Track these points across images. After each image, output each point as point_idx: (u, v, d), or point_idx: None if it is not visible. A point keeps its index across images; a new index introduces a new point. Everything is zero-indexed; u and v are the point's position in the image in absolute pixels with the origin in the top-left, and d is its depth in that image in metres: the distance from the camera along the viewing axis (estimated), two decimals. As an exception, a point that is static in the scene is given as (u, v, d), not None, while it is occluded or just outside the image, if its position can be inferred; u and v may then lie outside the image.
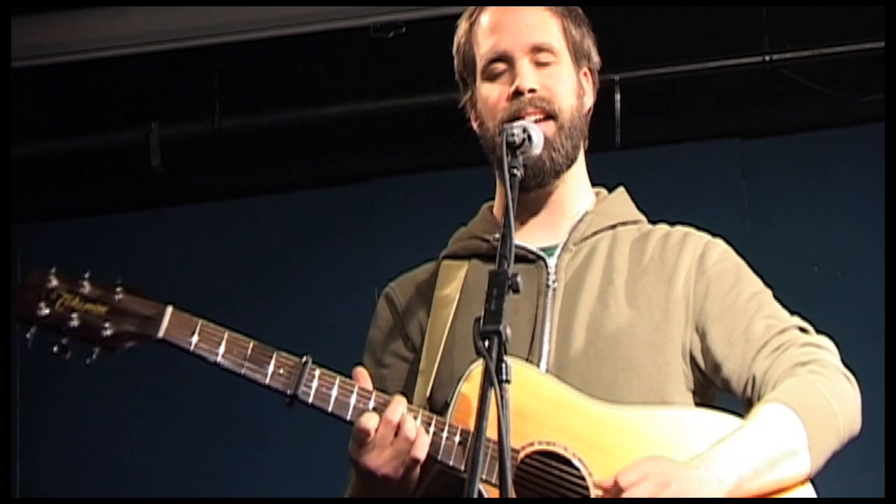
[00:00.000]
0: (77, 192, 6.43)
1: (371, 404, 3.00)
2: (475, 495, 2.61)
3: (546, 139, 3.18)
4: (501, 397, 2.66)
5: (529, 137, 3.12)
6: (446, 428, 2.99)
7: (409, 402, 3.08)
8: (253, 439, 6.05)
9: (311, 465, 5.81)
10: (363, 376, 3.05)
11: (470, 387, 2.97)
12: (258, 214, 6.34)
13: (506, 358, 2.71)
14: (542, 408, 3.03)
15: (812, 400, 3.05)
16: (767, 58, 5.75)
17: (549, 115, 3.22)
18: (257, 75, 6.08)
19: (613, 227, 3.33)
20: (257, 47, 5.83)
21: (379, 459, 2.96)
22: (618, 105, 5.53)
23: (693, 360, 3.19)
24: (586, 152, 3.37)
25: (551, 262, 3.25)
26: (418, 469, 2.98)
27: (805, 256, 5.74)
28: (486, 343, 2.71)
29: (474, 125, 3.34)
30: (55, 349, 2.97)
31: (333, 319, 5.99)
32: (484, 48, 3.29)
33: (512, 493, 2.93)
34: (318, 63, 5.99)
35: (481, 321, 2.73)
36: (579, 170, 3.34)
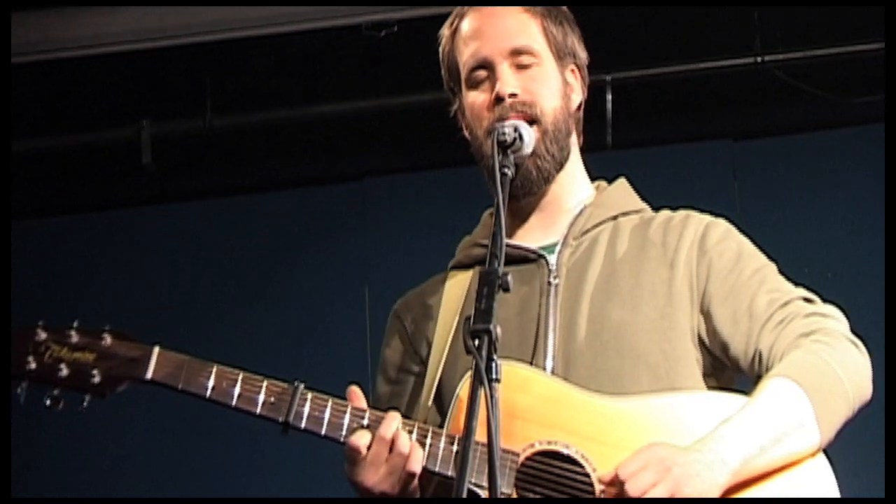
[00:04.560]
0: (68, 189, 6.42)
1: (365, 422, 3.00)
2: (464, 495, 2.60)
3: (525, 155, 3.16)
4: (491, 396, 2.65)
5: (521, 136, 3.12)
6: (443, 438, 2.99)
7: (416, 414, 3.10)
8: (253, 439, 6.03)
9: (311, 465, 5.80)
10: (357, 396, 3.05)
11: (466, 393, 2.96)
12: (249, 213, 6.33)
13: (496, 357, 2.70)
14: (538, 406, 3.02)
15: (815, 369, 3.02)
16: (759, 59, 5.75)
17: (532, 120, 3.20)
18: (249, 73, 6.07)
19: (615, 217, 3.31)
20: (249, 45, 5.83)
21: (375, 477, 2.96)
22: (609, 105, 5.53)
23: (702, 343, 3.17)
24: (581, 147, 3.36)
25: (552, 259, 3.24)
26: (416, 482, 2.98)
27: (796, 258, 5.70)
28: (476, 342, 2.70)
29: (466, 134, 3.33)
30: (48, 402, 3.03)
31: (325, 317, 5.99)
32: (465, 56, 3.27)
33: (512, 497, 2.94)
34: (310, 62, 5.98)
35: (471, 320, 2.73)
36: (573, 166, 3.32)
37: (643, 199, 3.41)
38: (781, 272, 3.32)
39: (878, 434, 3.63)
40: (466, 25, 3.29)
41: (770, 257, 3.32)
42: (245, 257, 6.26)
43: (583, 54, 3.35)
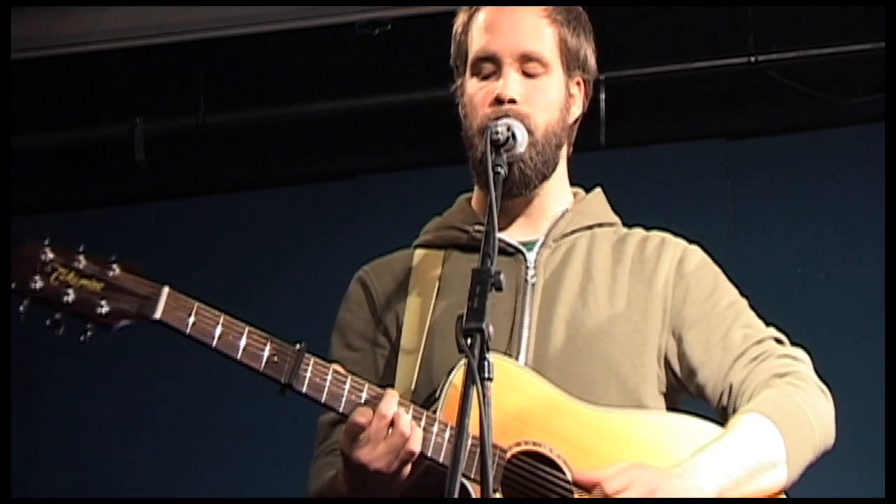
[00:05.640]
0: (61, 186, 6.41)
1: (363, 396, 2.99)
2: (456, 493, 2.60)
3: (518, 155, 3.17)
4: (484, 395, 2.65)
5: (514, 136, 3.13)
6: (436, 424, 2.99)
7: (387, 387, 3.08)
8: (252, 438, 6.02)
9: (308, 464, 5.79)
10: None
11: (459, 382, 2.96)
12: (242, 211, 6.33)
13: (489, 356, 2.70)
14: (529, 406, 3.04)
15: (791, 413, 3.07)
16: (753, 59, 5.75)
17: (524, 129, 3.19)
18: (242, 71, 6.07)
19: (591, 227, 3.33)
20: (242, 43, 5.83)
21: (372, 454, 2.94)
22: (603, 104, 5.53)
23: (668, 364, 3.21)
24: (569, 157, 3.36)
25: (530, 256, 3.26)
26: (410, 464, 2.97)
27: (788, 258, 5.75)
28: (469, 341, 2.70)
29: (460, 113, 3.32)
30: (48, 323, 2.93)
31: (317, 316, 5.96)
32: (476, 45, 3.27)
33: (497, 493, 2.94)
34: (304, 59, 5.98)
35: (464, 319, 2.72)
36: (558, 176, 3.33)
37: (617, 212, 3.42)
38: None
39: (878, 434, 3.64)
40: (483, 15, 3.28)
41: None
42: (237, 255, 6.25)
43: (593, 67, 3.35)
